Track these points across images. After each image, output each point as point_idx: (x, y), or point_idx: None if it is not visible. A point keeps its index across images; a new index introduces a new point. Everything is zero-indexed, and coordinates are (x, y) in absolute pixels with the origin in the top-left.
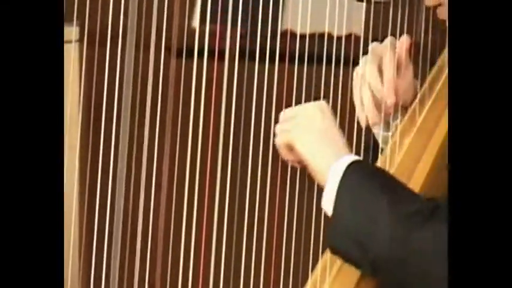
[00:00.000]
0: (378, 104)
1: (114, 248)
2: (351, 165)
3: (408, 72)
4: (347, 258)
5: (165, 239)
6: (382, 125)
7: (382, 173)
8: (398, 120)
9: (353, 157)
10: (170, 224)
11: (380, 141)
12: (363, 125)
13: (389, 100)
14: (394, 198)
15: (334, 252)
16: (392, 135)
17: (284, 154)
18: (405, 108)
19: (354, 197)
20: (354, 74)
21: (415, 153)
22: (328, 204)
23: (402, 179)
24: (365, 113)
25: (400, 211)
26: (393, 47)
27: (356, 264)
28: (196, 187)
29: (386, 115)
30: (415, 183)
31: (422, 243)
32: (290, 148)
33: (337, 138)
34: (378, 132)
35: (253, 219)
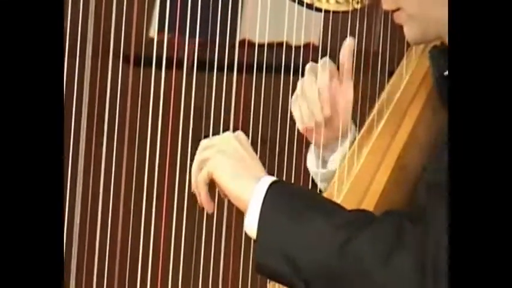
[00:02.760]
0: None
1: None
2: (272, 185)
3: (347, 84)
4: (277, 277)
5: (122, 252)
6: (320, 162)
7: (306, 191)
8: (335, 157)
9: (273, 178)
10: (128, 231)
11: (317, 179)
12: (303, 130)
13: (325, 112)
14: (323, 211)
15: (262, 271)
16: (332, 171)
17: (205, 201)
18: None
19: (279, 214)
20: (293, 96)
21: (371, 167)
22: (251, 226)
23: (359, 189)
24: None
25: (332, 223)
26: (326, 63)
27: (287, 282)
28: (154, 195)
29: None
30: (372, 195)
31: (358, 250)
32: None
33: (254, 163)
34: (315, 170)
35: (211, 225)
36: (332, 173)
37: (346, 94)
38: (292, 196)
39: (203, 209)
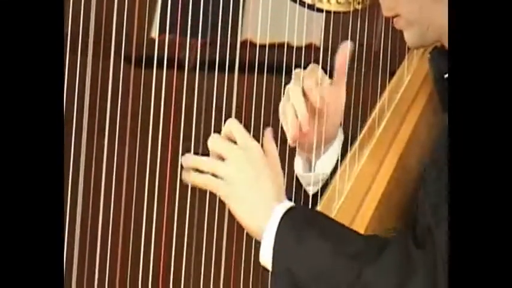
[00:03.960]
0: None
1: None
2: (285, 215)
3: (339, 88)
4: None
5: (124, 246)
6: (302, 162)
7: (319, 217)
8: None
9: (286, 205)
10: (130, 231)
11: (304, 183)
12: (291, 143)
13: (304, 127)
14: (337, 241)
15: None
16: (321, 175)
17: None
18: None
19: (293, 246)
20: (281, 103)
21: (372, 167)
22: (266, 259)
23: (360, 189)
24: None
25: (345, 252)
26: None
27: None
28: (156, 196)
29: (308, 150)
30: (373, 196)
31: (370, 283)
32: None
33: (267, 185)
34: (301, 174)
35: (212, 223)
36: (319, 176)
37: (337, 98)
38: (306, 226)
39: (204, 209)
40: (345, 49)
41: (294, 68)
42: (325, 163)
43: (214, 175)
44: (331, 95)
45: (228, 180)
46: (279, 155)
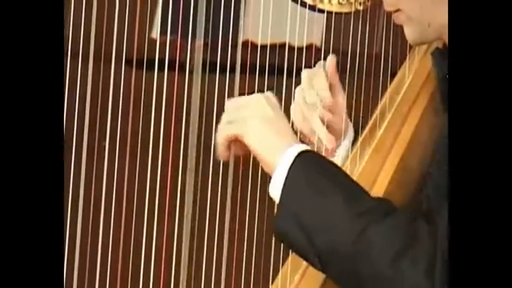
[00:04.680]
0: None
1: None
2: (302, 154)
3: (338, 95)
4: (293, 246)
5: (125, 252)
6: None
7: (335, 166)
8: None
9: (304, 146)
10: (130, 234)
11: None
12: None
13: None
14: (347, 194)
15: (280, 238)
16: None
17: (221, 151)
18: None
19: (304, 184)
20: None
21: (374, 168)
22: (276, 190)
23: (366, 182)
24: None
25: (353, 208)
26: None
27: (302, 253)
28: (157, 199)
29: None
30: (377, 191)
31: (373, 241)
32: (231, 142)
33: (285, 128)
34: None
35: (213, 229)
36: None
37: (339, 105)
38: (319, 170)
39: (204, 227)
40: (332, 62)
41: (295, 69)
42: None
43: None
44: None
45: (249, 118)
46: None
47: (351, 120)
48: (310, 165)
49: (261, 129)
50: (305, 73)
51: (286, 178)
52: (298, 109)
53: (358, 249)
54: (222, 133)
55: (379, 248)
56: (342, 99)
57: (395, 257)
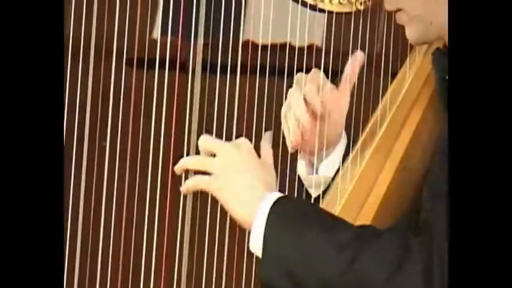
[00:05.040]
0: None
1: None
2: (276, 203)
3: (343, 97)
4: None
5: (125, 253)
6: (305, 164)
7: (310, 205)
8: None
9: (277, 194)
10: (131, 235)
11: (307, 185)
12: (291, 150)
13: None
14: (327, 228)
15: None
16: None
17: (188, 190)
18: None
19: (283, 232)
20: (283, 107)
21: (374, 168)
22: (256, 245)
23: (362, 191)
24: (290, 138)
25: (336, 240)
26: (316, 78)
27: None
28: (158, 198)
29: (310, 153)
30: (375, 197)
31: (363, 268)
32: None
33: (257, 177)
34: (305, 176)
35: (214, 231)
36: (322, 179)
37: (340, 103)
38: (296, 215)
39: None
40: (358, 59)
41: (296, 69)
42: (327, 167)
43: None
44: (334, 100)
45: (219, 173)
46: (283, 156)
47: (351, 120)
48: (286, 213)
49: (232, 187)
50: (296, 77)
51: (265, 232)
52: (283, 110)
53: (349, 280)
54: (194, 182)
55: (371, 273)
56: (343, 105)
57: (388, 277)
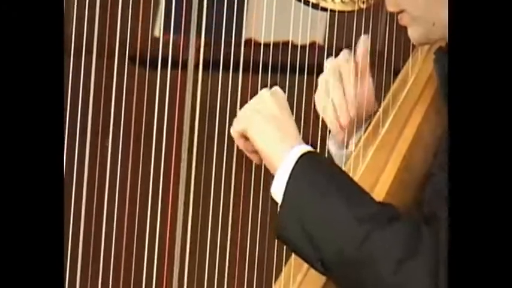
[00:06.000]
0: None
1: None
2: (305, 155)
3: (366, 80)
4: (295, 249)
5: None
6: (336, 143)
7: (338, 169)
8: (353, 139)
9: (307, 147)
10: (134, 230)
11: (336, 159)
12: (335, 130)
13: (343, 120)
14: (350, 198)
15: (282, 240)
16: (350, 151)
17: (240, 144)
18: (367, 119)
19: (307, 186)
20: (319, 85)
21: (376, 167)
22: (278, 191)
23: (368, 181)
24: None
25: (357, 213)
26: (348, 60)
27: (304, 257)
28: (160, 194)
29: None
30: (377, 196)
31: (377, 248)
32: (244, 137)
33: (290, 127)
34: (336, 152)
35: (216, 226)
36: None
37: (367, 88)
38: (322, 172)
39: (208, 209)
40: (365, 42)
41: (297, 69)
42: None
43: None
44: (361, 85)
45: (254, 112)
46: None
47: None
48: (313, 167)
49: (264, 125)
50: (329, 65)
51: (289, 179)
52: (320, 99)
53: (362, 256)
54: (232, 130)
55: (383, 255)
56: (368, 85)
57: (399, 263)
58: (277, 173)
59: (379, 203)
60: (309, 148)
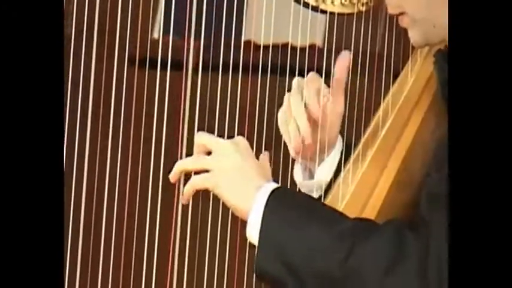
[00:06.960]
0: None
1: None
2: (273, 193)
3: (338, 100)
4: (278, 283)
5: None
6: (302, 170)
7: (308, 198)
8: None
9: (273, 185)
10: (133, 229)
11: (303, 190)
12: (294, 156)
13: (307, 140)
14: (325, 220)
15: (263, 277)
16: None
17: (187, 196)
18: (331, 145)
19: (280, 221)
20: (280, 111)
21: (376, 169)
22: (253, 233)
23: (363, 192)
24: (292, 145)
25: (334, 232)
26: (315, 83)
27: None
28: (159, 197)
29: (310, 158)
30: (377, 198)
31: (361, 261)
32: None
33: (254, 170)
34: (301, 182)
35: (216, 225)
36: (318, 183)
37: (336, 107)
38: (294, 204)
39: (208, 208)
40: (344, 59)
41: (297, 69)
42: (324, 171)
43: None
44: (330, 104)
45: (216, 170)
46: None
47: (352, 122)
48: (283, 202)
49: (228, 180)
50: (295, 82)
51: (262, 220)
52: (281, 114)
53: (347, 272)
54: (191, 184)
55: (368, 267)
56: (338, 107)
57: (385, 272)
58: (249, 218)
59: (355, 218)
60: (274, 185)
